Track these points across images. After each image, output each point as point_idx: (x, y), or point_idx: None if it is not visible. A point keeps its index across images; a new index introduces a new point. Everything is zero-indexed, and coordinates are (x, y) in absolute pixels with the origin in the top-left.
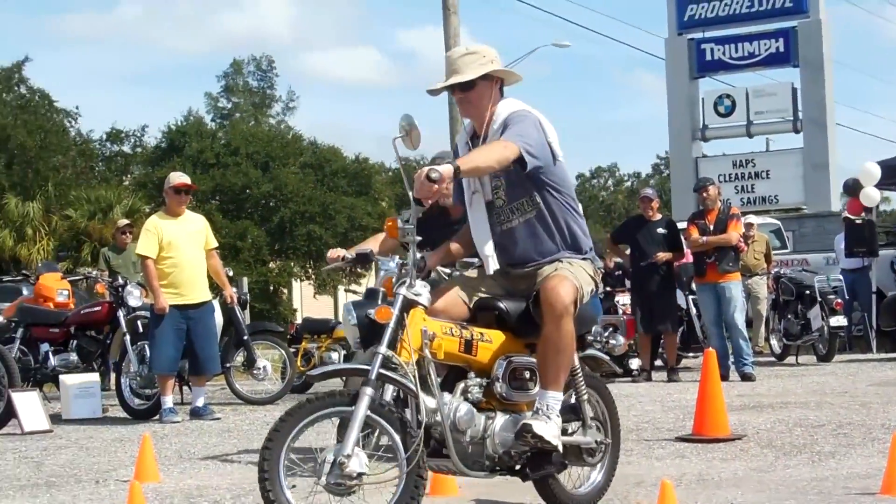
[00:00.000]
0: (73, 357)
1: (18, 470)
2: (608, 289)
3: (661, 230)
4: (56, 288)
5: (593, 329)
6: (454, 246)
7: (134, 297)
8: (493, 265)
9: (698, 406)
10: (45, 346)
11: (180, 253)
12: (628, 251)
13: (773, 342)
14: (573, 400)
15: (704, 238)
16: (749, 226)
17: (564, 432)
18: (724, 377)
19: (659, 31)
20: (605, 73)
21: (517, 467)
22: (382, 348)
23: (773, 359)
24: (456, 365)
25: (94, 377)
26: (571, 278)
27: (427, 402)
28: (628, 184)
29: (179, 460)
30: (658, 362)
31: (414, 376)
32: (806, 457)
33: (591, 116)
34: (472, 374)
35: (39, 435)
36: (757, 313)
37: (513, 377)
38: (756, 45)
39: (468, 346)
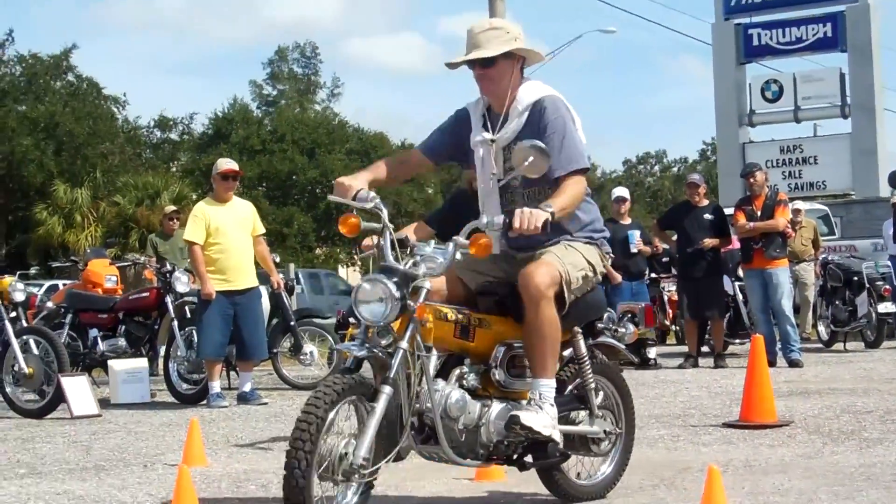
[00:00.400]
0: (122, 342)
1: (68, 454)
2: (654, 275)
3: (707, 216)
4: (104, 274)
5: (604, 316)
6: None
7: (182, 282)
8: (497, 247)
9: (745, 392)
10: (93, 332)
11: (227, 239)
12: (675, 237)
13: (821, 328)
14: (579, 388)
15: (751, 224)
16: (796, 211)
17: (571, 421)
18: (772, 363)
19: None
20: (651, 58)
21: (514, 456)
22: (404, 343)
23: (820, 345)
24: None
25: (143, 362)
26: (555, 262)
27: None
28: (675, 170)
29: (227, 445)
30: (704, 348)
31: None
32: (854, 443)
33: (637, 102)
34: (467, 361)
35: (88, 419)
36: (804, 299)
37: (512, 364)
38: (803, 29)
39: (464, 331)
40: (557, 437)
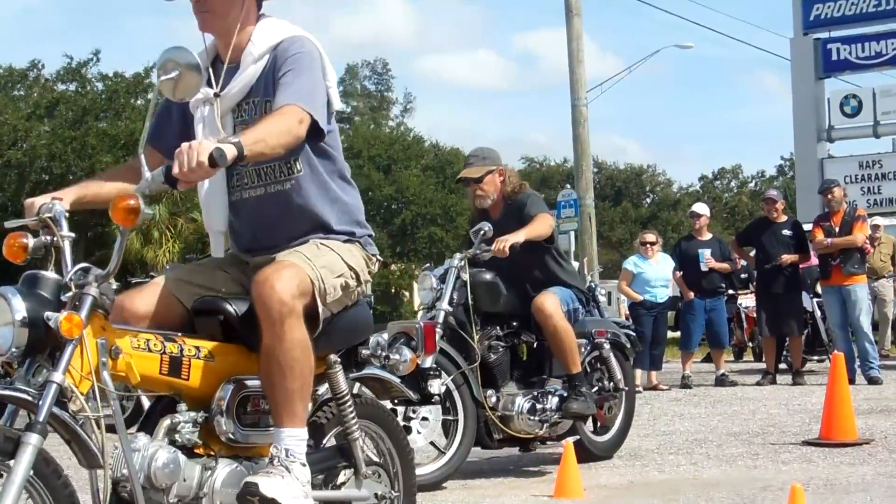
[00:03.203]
0: None
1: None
2: (731, 291)
3: (786, 232)
4: None
5: (371, 340)
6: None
7: None
8: (221, 248)
9: (826, 410)
10: None
11: None
12: (753, 253)
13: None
14: (340, 438)
15: (829, 240)
16: (875, 227)
17: (330, 484)
18: (851, 381)
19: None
20: (728, 74)
21: None
22: (58, 375)
23: None
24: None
25: None
26: (300, 264)
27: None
28: (752, 185)
29: None
30: (782, 365)
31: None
32: None
33: (713, 118)
34: (182, 406)
35: None
36: (883, 316)
37: (245, 410)
38: (883, 44)
39: (175, 364)
40: None
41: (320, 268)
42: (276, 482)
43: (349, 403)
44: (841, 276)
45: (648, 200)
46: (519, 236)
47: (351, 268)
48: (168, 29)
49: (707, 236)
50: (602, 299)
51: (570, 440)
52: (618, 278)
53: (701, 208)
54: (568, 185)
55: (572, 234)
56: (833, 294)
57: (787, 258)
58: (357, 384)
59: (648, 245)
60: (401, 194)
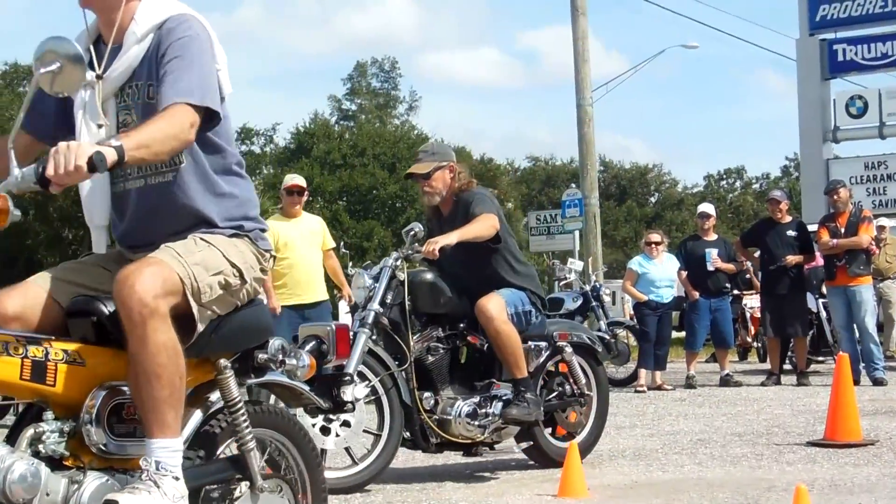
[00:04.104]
0: None
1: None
2: (736, 291)
3: (790, 232)
4: None
5: (271, 344)
6: None
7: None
8: (103, 243)
9: (830, 411)
10: None
11: (295, 253)
12: (758, 254)
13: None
14: (233, 449)
15: (835, 241)
16: (881, 228)
17: (227, 499)
18: (856, 382)
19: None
20: (733, 74)
21: None
22: None
23: None
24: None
25: None
26: (168, 261)
27: None
28: (757, 186)
29: None
30: (787, 366)
31: None
32: None
33: (718, 117)
34: (48, 415)
35: None
36: (888, 317)
37: (119, 418)
38: (889, 45)
39: (38, 369)
40: None
41: (193, 265)
42: (140, 499)
43: (242, 411)
44: (846, 277)
45: (653, 200)
46: (451, 238)
47: (234, 265)
48: None
49: (713, 237)
50: (606, 299)
51: (523, 445)
52: (622, 278)
53: (710, 208)
54: (573, 185)
55: (577, 233)
56: (838, 295)
57: (792, 259)
58: (265, 391)
59: (653, 245)
60: (405, 192)
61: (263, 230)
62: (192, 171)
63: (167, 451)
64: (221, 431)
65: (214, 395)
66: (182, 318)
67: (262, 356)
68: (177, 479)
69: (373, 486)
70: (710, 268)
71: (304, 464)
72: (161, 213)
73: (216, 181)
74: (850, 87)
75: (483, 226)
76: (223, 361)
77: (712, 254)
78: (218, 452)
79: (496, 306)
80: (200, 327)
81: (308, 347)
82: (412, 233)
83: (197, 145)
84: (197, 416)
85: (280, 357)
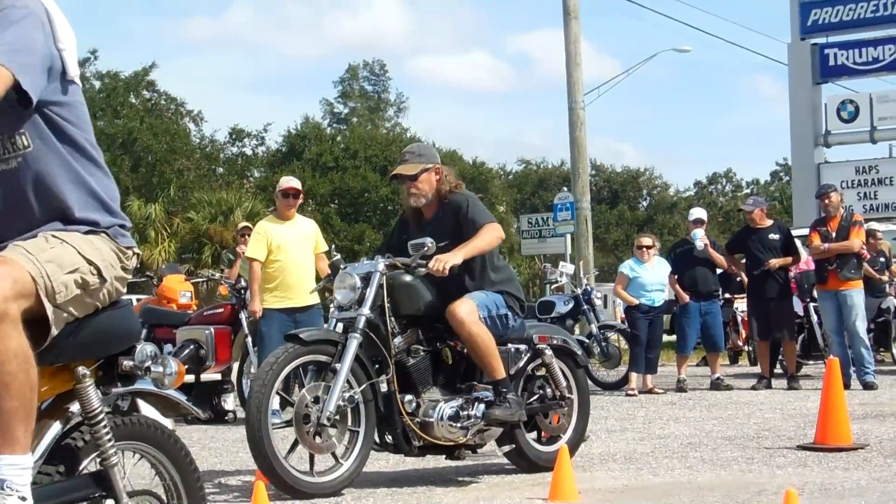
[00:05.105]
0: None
1: (142, 469)
2: (727, 295)
3: (773, 236)
4: (179, 289)
5: (139, 350)
6: None
7: None
8: None
9: (821, 414)
10: (167, 347)
11: (288, 256)
12: (744, 260)
13: (895, 351)
14: (96, 465)
15: (826, 245)
16: (872, 233)
17: None
18: (846, 386)
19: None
20: (725, 77)
21: None
22: None
23: (895, 367)
24: None
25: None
26: (17, 259)
27: None
28: (747, 190)
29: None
30: (777, 370)
31: None
32: None
33: (710, 121)
34: None
35: None
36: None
37: None
38: (881, 49)
39: None
40: None
41: (45, 263)
42: None
43: (103, 423)
44: (837, 282)
45: (645, 203)
46: (457, 257)
47: (91, 262)
48: (165, 29)
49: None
50: (598, 302)
51: (505, 449)
52: (614, 281)
53: (702, 213)
54: (565, 188)
55: (568, 236)
56: (829, 299)
57: (775, 262)
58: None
59: (645, 249)
60: (397, 195)
61: (123, 226)
62: (42, 155)
63: (15, 468)
64: (84, 445)
65: (76, 406)
66: (35, 323)
67: (127, 363)
68: (23, 499)
69: (363, 490)
70: (699, 246)
71: (178, 476)
72: (9, 205)
73: (73, 167)
74: (841, 91)
75: (488, 239)
76: (82, 369)
77: (699, 233)
78: (81, 468)
79: (466, 310)
80: (55, 331)
81: (185, 353)
82: (425, 247)
83: (46, 127)
84: (55, 428)
85: (147, 364)
